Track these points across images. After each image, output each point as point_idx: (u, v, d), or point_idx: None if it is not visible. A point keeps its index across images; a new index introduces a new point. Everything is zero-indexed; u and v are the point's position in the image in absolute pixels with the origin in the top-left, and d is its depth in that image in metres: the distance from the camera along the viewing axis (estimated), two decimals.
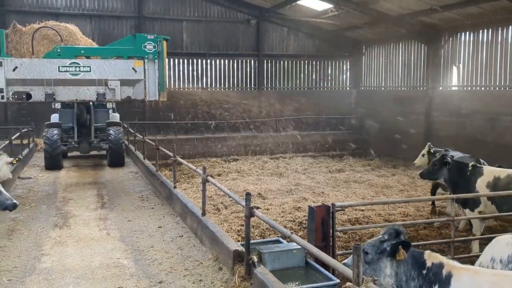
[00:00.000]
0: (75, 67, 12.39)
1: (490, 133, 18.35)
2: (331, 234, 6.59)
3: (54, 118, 18.21)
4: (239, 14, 25.90)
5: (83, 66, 12.46)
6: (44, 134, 16.98)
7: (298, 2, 22.66)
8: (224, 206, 12.42)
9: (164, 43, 13.12)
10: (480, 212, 8.64)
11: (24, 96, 12.24)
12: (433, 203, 11.98)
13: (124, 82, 12.78)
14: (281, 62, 27.14)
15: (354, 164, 21.22)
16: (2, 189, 8.71)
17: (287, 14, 25.02)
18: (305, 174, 18.56)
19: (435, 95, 21.41)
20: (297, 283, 6.02)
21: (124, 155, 18.14)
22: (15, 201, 8.68)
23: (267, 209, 12.32)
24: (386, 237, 4.98)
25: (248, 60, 26.61)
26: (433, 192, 12.20)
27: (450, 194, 9.37)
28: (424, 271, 4.61)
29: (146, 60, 12.89)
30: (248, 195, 6.35)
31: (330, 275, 6.00)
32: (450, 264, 4.56)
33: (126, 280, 6.85)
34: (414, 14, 20.05)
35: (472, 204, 8.71)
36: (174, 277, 6.97)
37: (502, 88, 18.49)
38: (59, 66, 12.26)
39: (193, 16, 25.19)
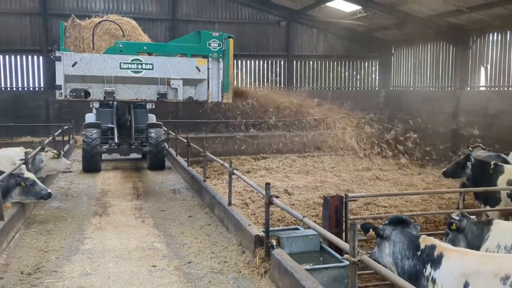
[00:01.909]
0: (137, 64, 11.65)
1: None
2: (344, 222, 7.20)
3: (89, 118, 17.62)
4: (270, 16, 26.59)
5: (146, 64, 11.73)
6: (83, 134, 16.46)
7: (327, 4, 23.15)
8: (251, 201, 13.08)
9: (230, 41, 12.27)
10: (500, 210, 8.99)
11: (82, 94, 11.56)
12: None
13: (186, 82, 12.05)
14: (311, 62, 27.69)
15: (381, 163, 21.53)
16: (37, 181, 9.68)
17: (317, 16, 25.54)
18: (332, 172, 19.03)
19: (463, 95, 21.58)
20: (311, 264, 6.67)
21: (165, 158, 17.29)
22: (49, 190, 9.72)
23: (293, 204, 12.91)
24: (387, 222, 5.64)
25: (278, 61, 27.27)
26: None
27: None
28: (418, 252, 5.20)
29: (210, 59, 12.13)
30: (267, 184, 7.04)
31: (341, 258, 6.62)
32: (442, 246, 5.13)
33: (159, 260, 7.66)
34: (441, 15, 20.29)
35: (493, 201, 9.07)
36: (202, 258, 7.73)
37: None
38: (120, 63, 11.55)
39: (225, 18, 25.99)
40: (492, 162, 9.51)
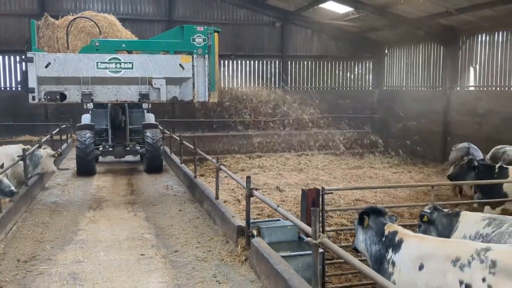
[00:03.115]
0: (116, 63, 10.93)
1: (504, 132, 18.83)
2: (320, 214, 7.65)
3: (85, 119, 16.97)
4: (265, 17, 27.00)
5: (125, 63, 10.98)
6: (76, 136, 15.77)
7: (320, 5, 23.58)
8: (243, 197, 13.52)
9: (216, 35, 11.47)
10: (502, 210, 9.40)
11: (57, 97, 10.88)
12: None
13: (170, 81, 11.28)
14: (305, 62, 28.10)
15: (373, 161, 22.02)
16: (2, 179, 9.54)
17: (311, 17, 25.95)
18: (324, 170, 19.48)
19: (453, 95, 22.00)
20: (288, 252, 7.13)
21: (162, 160, 16.68)
22: (13, 188, 9.57)
23: (283, 201, 13.39)
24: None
25: (273, 61, 27.70)
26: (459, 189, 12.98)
27: (476, 194, 10.26)
28: (383, 238, 5.69)
29: (194, 56, 11.32)
30: (248, 178, 7.51)
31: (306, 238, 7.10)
32: (403, 232, 5.61)
33: (148, 249, 8.15)
34: (431, 17, 20.71)
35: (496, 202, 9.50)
36: (188, 248, 8.23)
37: None
38: (97, 63, 10.84)
39: (220, 19, 26.36)
40: (497, 166, 9.94)
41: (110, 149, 16.12)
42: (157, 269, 7.20)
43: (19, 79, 24.04)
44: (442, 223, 6.69)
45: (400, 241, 5.48)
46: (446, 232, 6.61)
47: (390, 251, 5.53)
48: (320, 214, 7.67)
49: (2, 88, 24.56)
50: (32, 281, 6.71)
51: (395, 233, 5.60)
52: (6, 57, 24.41)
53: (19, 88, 24.00)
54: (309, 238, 4.87)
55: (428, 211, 6.82)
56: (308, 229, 5.05)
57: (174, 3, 25.88)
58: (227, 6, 26.52)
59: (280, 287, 5.81)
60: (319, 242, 4.74)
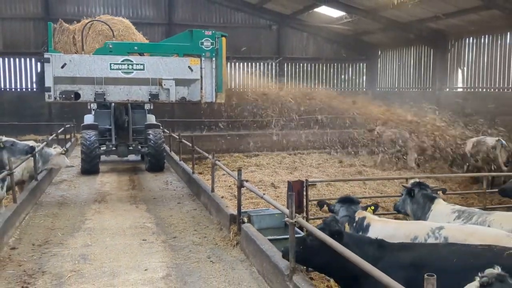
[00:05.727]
0: (128, 64, 11.45)
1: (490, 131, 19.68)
2: (305, 204, 8.52)
3: (88, 119, 17.17)
4: (261, 20, 27.90)
5: (136, 64, 11.52)
6: (81, 136, 16.10)
7: (315, 10, 24.52)
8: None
9: (223, 40, 12.07)
10: None
11: (72, 96, 11.39)
12: None
13: (179, 82, 11.83)
14: (301, 64, 28.97)
15: (366, 160, 22.79)
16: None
17: (306, 20, 26.85)
18: (318, 168, 20.23)
19: (442, 96, 22.89)
20: (274, 236, 7.98)
21: (164, 159, 17.11)
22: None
23: (277, 196, 14.13)
24: (338, 200, 7.00)
25: (269, 63, 28.57)
26: None
27: None
28: (354, 224, 6.54)
29: (203, 58, 11.89)
30: (239, 170, 8.37)
31: (299, 231, 7.93)
32: (370, 217, 6.46)
33: (149, 235, 9.01)
34: (421, 21, 21.62)
35: None
36: (185, 234, 9.10)
37: (501, 90, 19.93)
38: (110, 64, 11.36)
39: (218, 23, 27.21)
40: None
41: (114, 148, 16.56)
42: (158, 252, 8.05)
43: (34, 79, 24.95)
44: (418, 203, 7.25)
45: (368, 225, 6.32)
46: (418, 213, 7.19)
47: (360, 234, 6.37)
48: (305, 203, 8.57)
49: (8, 89, 25.44)
50: (47, 261, 7.57)
51: (363, 218, 6.45)
52: (12, 59, 25.31)
53: (34, 89, 24.94)
54: (286, 218, 5.73)
55: (409, 186, 7.43)
56: (284, 209, 5.91)
57: (174, 7, 26.77)
58: (225, 9, 27.40)
59: (264, 263, 6.69)
60: (295, 221, 5.60)
